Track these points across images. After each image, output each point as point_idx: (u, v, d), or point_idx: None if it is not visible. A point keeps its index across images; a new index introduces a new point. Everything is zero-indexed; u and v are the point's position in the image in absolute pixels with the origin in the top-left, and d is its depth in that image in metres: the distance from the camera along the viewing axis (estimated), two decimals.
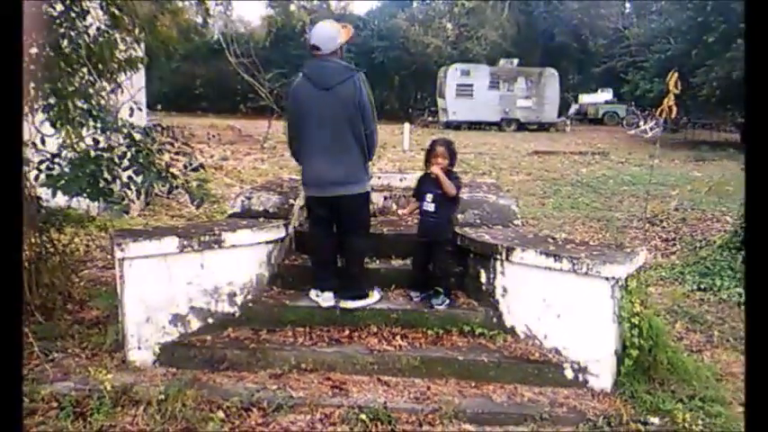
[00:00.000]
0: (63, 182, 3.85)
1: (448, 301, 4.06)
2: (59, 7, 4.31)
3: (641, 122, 25.72)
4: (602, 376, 3.54)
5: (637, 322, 3.54)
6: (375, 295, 4.11)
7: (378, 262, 4.51)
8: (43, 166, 4.04)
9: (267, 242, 4.21)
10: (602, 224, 7.97)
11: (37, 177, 4.07)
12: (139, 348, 3.73)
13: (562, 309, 3.65)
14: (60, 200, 4.19)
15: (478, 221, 4.51)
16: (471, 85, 26.64)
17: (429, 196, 4.13)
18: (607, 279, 3.48)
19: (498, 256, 3.89)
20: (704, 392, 3.51)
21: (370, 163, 4.11)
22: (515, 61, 28.49)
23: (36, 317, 4.16)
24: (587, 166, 14.24)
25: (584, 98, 33.21)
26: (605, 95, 32.55)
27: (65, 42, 4.25)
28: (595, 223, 8.03)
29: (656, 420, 3.24)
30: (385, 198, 5.71)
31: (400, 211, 4.77)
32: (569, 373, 3.59)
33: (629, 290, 3.58)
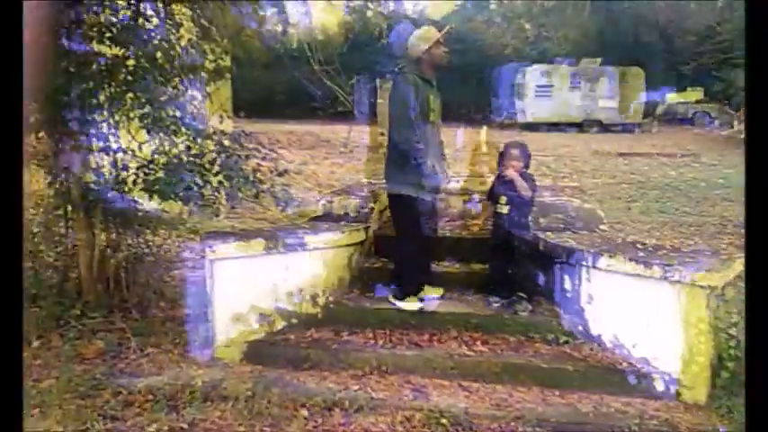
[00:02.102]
0: (158, 187, 4.07)
1: (530, 308, 3.98)
2: (155, 21, 4.57)
3: (735, 122, 24.27)
4: (696, 389, 3.36)
5: (734, 333, 3.35)
6: (413, 303, 4.06)
7: (458, 266, 4.49)
8: (140, 172, 4.28)
9: (348, 245, 4.28)
10: (693, 229, 7.56)
11: (135, 182, 4.32)
12: (228, 346, 3.88)
13: (652, 317, 3.50)
14: (155, 204, 4.43)
15: (562, 226, 4.40)
16: (551, 86, 26.00)
17: (503, 198, 4.09)
18: (702, 287, 3.31)
19: (584, 263, 3.77)
20: None
21: (429, 167, 3.97)
22: (598, 60, 27.56)
23: (133, 314, 4.41)
24: (676, 168, 13.57)
25: (673, 97, 31.72)
26: (695, 94, 30.94)
27: (159, 54, 4.50)
28: (686, 228, 7.63)
29: None
30: (464, 202, 5.67)
31: (473, 224, 4.70)
32: (660, 385, 3.43)
33: (726, 299, 3.39)
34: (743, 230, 7.28)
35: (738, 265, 3.65)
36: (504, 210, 4.09)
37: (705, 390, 3.36)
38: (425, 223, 4.13)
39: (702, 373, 3.35)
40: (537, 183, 4.20)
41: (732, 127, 24.16)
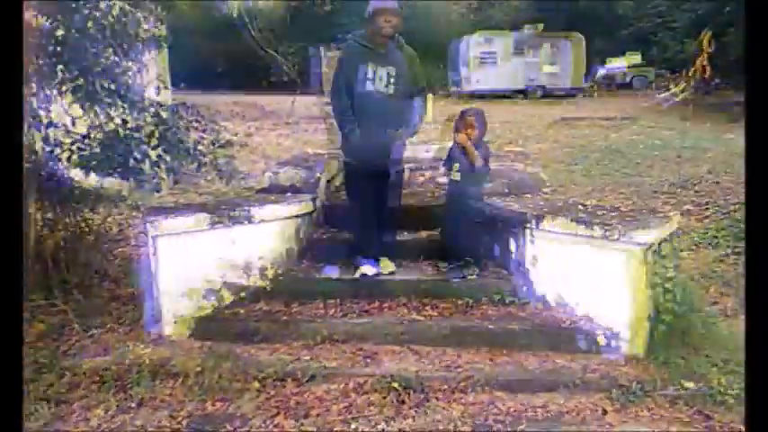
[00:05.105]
0: (95, 162, 3.91)
1: (478, 271, 4.06)
2: None
3: (671, 85, 24.99)
4: (636, 342, 3.51)
5: (670, 287, 3.51)
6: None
7: (406, 234, 4.51)
8: (75, 147, 4.10)
9: (296, 216, 4.24)
10: (632, 190, 7.82)
11: (69, 158, 4.14)
12: (175, 322, 3.81)
13: (594, 275, 3.62)
14: (92, 180, 4.26)
15: (507, 190, 4.47)
16: (495, 53, 26.15)
17: (456, 166, 4.10)
18: (639, 245, 3.43)
19: (528, 225, 3.86)
20: (739, 356, 3.47)
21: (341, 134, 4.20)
22: (540, 26, 27.81)
23: (74, 294, 4.27)
24: (616, 131, 13.95)
25: (612, 62, 32.40)
26: (633, 59, 31.69)
27: (89, 23, 4.27)
28: (626, 189, 7.88)
29: (690, 385, 3.22)
30: (411, 170, 5.69)
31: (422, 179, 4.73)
32: (602, 340, 3.57)
33: (662, 255, 3.53)
34: (680, 189, 7.56)
35: (674, 222, 3.80)
36: (457, 177, 4.10)
37: (643, 343, 3.51)
38: (378, 193, 4.12)
39: (641, 326, 3.50)
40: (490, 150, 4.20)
41: (668, 89, 24.89)
